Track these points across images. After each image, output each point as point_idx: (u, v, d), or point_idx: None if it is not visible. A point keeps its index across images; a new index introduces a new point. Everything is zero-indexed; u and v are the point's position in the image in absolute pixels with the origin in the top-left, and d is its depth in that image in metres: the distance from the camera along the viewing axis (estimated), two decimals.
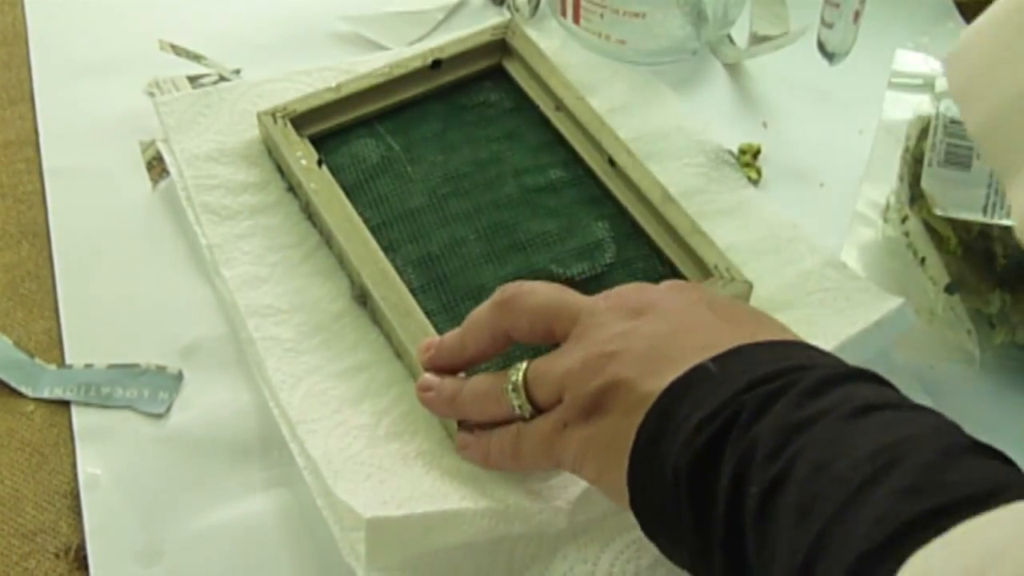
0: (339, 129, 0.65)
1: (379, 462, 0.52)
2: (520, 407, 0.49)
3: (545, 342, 0.50)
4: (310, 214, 0.62)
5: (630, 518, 0.45)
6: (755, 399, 0.41)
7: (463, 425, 0.52)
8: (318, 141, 0.64)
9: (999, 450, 0.38)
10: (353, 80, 0.66)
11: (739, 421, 0.41)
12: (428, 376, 0.53)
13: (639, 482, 0.44)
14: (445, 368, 0.53)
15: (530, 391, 0.49)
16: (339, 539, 0.49)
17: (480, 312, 0.52)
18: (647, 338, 0.46)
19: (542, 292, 0.50)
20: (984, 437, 0.56)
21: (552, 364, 0.48)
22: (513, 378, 0.49)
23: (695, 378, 0.43)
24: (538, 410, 0.49)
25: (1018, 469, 0.37)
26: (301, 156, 0.62)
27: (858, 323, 0.56)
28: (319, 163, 0.62)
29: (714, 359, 0.44)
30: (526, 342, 0.51)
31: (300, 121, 0.64)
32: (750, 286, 0.57)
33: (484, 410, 0.51)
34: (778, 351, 0.44)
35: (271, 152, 0.65)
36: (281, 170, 0.64)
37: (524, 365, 0.49)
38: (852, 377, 0.42)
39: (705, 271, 0.58)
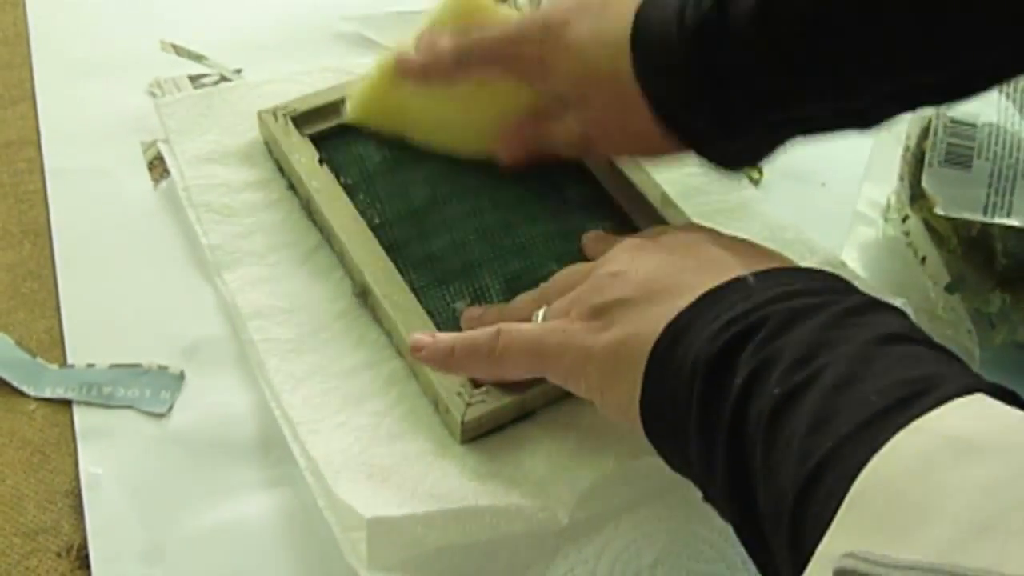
0: (340, 129, 0.65)
1: (380, 461, 0.52)
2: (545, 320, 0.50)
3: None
4: (311, 213, 0.62)
5: (631, 518, 0.45)
6: (788, 309, 0.41)
7: (419, 332, 0.53)
8: (319, 140, 0.64)
9: (1018, 395, 0.37)
10: (354, 80, 0.66)
11: (767, 326, 0.40)
12: (418, 335, 0.52)
13: (653, 382, 0.43)
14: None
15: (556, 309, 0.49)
16: (340, 539, 0.49)
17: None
18: (654, 267, 0.47)
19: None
20: None
21: (565, 303, 0.49)
22: (539, 316, 0.50)
23: (726, 288, 0.43)
24: None
25: None
26: (302, 155, 0.62)
27: None
28: (320, 162, 0.62)
29: (754, 274, 0.44)
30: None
31: (301, 120, 0.64)
32: None
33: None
34: (810, 273, 0.45)
35: (272, 151, 0.65)
36: (282, 169, 0.64)
37: (544, 310, 0.50)
38: (884, 307, 0.42)
39: None
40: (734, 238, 0.50)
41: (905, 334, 0.40)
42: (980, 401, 0.35)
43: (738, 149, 0.53)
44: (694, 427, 0.41)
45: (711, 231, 0.51)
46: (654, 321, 0.44)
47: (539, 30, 0.55)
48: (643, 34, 0.50)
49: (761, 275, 0.44)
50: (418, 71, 0.59)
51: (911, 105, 0.51)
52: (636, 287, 0.46)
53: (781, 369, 0.38)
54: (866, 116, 0.50)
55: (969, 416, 0.34)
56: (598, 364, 0.46)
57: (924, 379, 0.36)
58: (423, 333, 0.52)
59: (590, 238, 0.58)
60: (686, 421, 0.41)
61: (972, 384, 0.36)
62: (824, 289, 0.43)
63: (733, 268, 0.45)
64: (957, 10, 0.44)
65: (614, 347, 0.45)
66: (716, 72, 0.49)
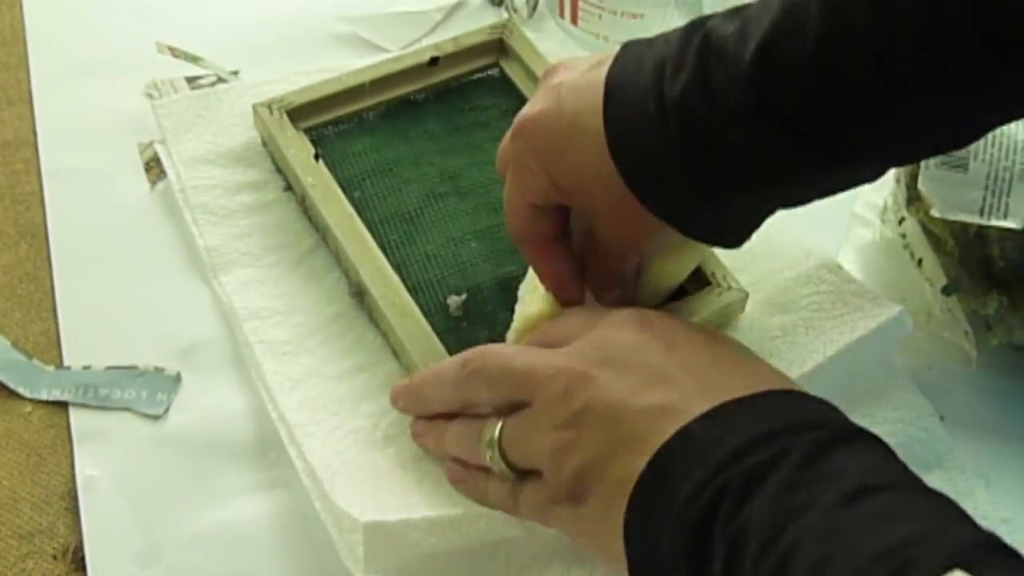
0: (336, 123, 0.65)
1: (376, 467, 0.52)
2: (500, 470, 0.48)
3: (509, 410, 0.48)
4: (307, 209, 0.62)
5: None
6: (743, 472, 0.38)
7: (453, 459, 0.51)
8: (315, 135, 0.64)
9: (1011, 547, 0.36)
10: (350, 74, 0.66)
11: (728, 498, 0.38)
12: (416, 424, 0.52)
13: (638, 565, 0.42)
14: (420, 415, 0.52)
15: (505, 455, 0.47)
16: (337, 541, 0.49)
17: (447, 373, 0.50)
18: (603, 414, 0.44)
19: (501, 358, 0.48)
20: (981, 438, 0.56)
21: (523, 435, 0.47)
22: (487, 437, 0.47)
23: (675, 446, 0.41)
24: (518, 470, 0.47)
25: None
26: (297, 150, 0.62)
27: (857, 330, 0.56)
28: (316, 157, 0.62)
29: (697, 420, 0.41)
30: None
31: (297, 114, 0.64)
32: (746, 295, 0.57)
33: (470, 457, 0.50)
34: (761, 408, 0.42)
35: (267, 146, 0.65)
36: (279, 169, 0.64)
37: (498, 425, 0.47)
38: (842, 441, 0.40)
39: (702, 279, 0.58)
40: (683, 333, 0.47)
41: (870, 484, 0.37)
42: None
43: (718, 222, 0.49)
44: None
45: (658, 331, 0.47)
46: (618, 493, 0.42)
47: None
48: (614, 105, 0.47)
49: (708, 422, 0.41)
50: None
51: (910, 162, 0.48)
52: (592, 448, 0.43)
53: (752, 554, 0.37)
54: (864, 178, 0.48)
55: None
56: (588, 541, 0.46)
57: (901, 547, 0.34)
58: (454, 464, 0.50)
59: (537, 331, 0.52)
60: None
61: (950, 550, 0.34)
62: (779, 430, 0.40)
63: (679, 408, 0.42)
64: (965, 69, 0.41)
65: (595, 528, 0.44)
66: (699, 150, 0.45)
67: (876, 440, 0.41)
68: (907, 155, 0.48)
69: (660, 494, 0.41)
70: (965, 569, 0.33)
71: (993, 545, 0.35)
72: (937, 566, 0.33)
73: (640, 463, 0.42)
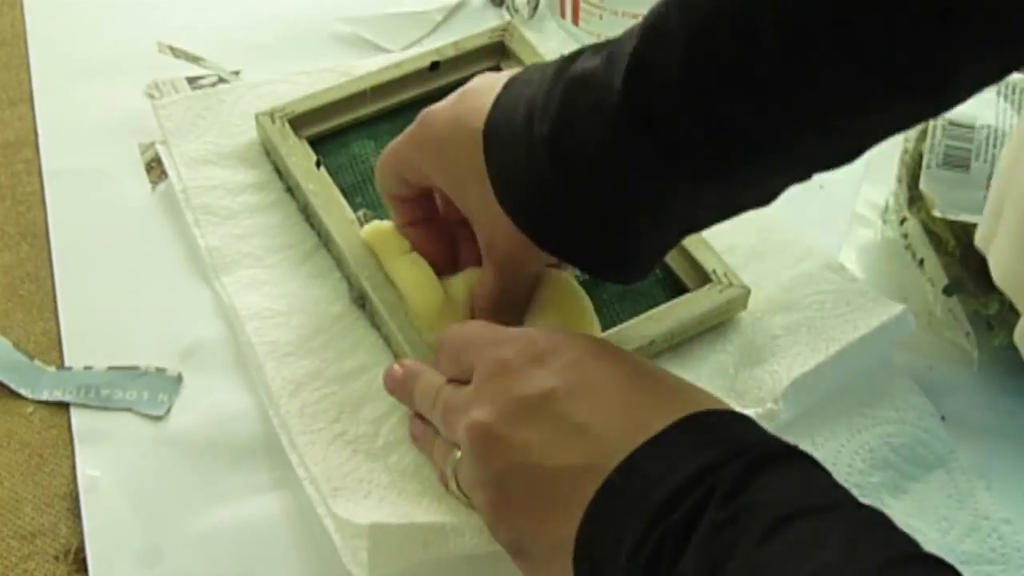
0: (338, 130, 0.65)
1: (378, 478, 0.52)
2: (460, 499, 0.48)
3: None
4: (308, 216, 0.62)
5: None
6: (675, 524, 0.38)
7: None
8: (316, 142, 0.64)
9: (933, 556, 0.36)
10: (351, 81, 0.66)
11: (665, 551, 0.38)
12: (413, 426, 0.52)
13: None
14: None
15: (461, 488, 0.47)
16: (340, 547, 0.49)
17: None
18: (521, 484, 0.43)
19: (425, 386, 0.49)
20: (982, 438, 0.56)
21: (463, 476, 0.46)
22: (449, 468, 0.47)
23: (602, 505, 0.40)
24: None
25: (955, 573, 0.35)
26: (299, 158, 0.62)
27: (858, 329, 0.56)
28: (317, 164, 0.62)
29: (618, 471, 0.40)
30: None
31: (298, 122, 0.64)
32: (748, 291, 0.57)
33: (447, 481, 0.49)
34: (677, 447, 0.40)
35: (269, 153, 0.65)
36: (280, 171, 0.64)
37: (458, 456, 0.46)
38: (763, 466, 0.39)
39: (703, 276, 0.58)
40: (588, 367, 0.45)
41: (790, 512, 0.37)
42: None
43: (610, 255, 0.49)
44: None
45: (560, 371, 0.45)
46: (559, 556, 0.41)
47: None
48: (492, 145, 0.48)
49: (627, 471, 0.40)
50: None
51: (805, 178, 0.46)
52: (522, 516, 0.43)
53: None
54: (754, 200, 0.47)
55: None
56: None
57: (819, 573, 0.34)
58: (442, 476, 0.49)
59: (443, 348, 0.51)
60: None
61: (882, 569, 0.34)
62: (697, 476, 0.38)
63: (594, 465, 0.41)
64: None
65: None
66: (571, 181, 0.46)
67: (799, 457, 0.40)
68: (786, 172, 0.46)
69: (599, 555, 0.40)
70: None
71: (915, 557, 0.36)
72: None
73: (571, 527, 0.41)
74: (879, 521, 0.37)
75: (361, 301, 0.58)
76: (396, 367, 0.52)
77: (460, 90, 0.52)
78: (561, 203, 0.47)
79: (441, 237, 0.57)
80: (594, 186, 0.46)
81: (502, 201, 0.48)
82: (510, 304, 0.53)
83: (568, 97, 0.45)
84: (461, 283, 0.56)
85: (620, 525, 0.39)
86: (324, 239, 0.61)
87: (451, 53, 0.67)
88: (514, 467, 0.43)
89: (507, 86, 0.49)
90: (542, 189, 0.47)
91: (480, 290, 0.53)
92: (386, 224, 0.58)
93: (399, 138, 0.54)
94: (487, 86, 0.50)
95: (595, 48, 0.46)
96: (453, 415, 0.46)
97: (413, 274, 0.56)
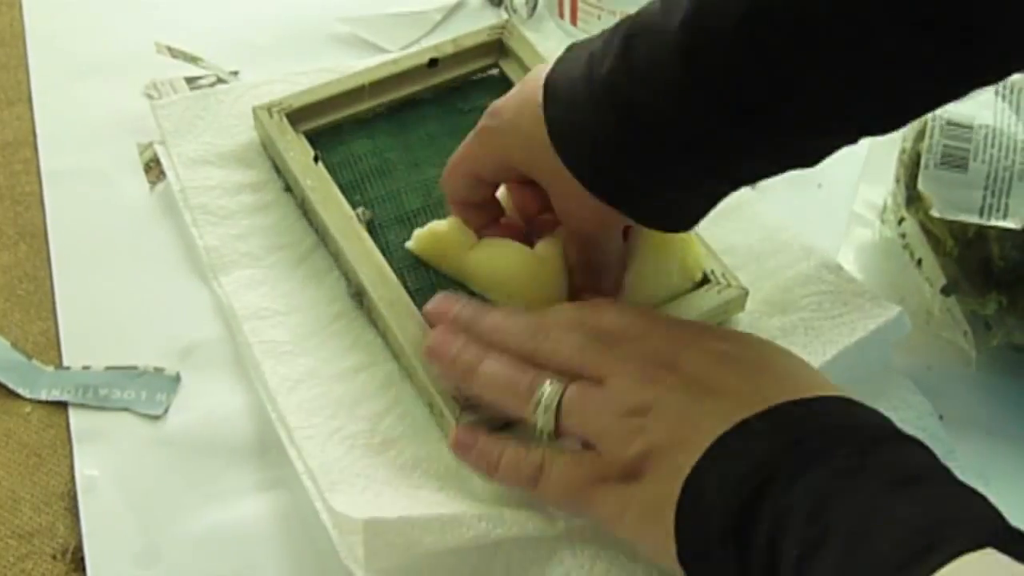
0: (335, 125, 0.65)
1: (375, 473, 0.52)
2: (545, 431, 0.48)
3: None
4: (306, 211, 0.62)
5: None
6: (797, 457, 0.41)
7: (464, 426, 0.51)
8: (314, 138, 0.64)
9: None
10: (349, 77, 0.66)
11: (780, 477, 0.40)
12: (439, 333, 0.52)
13: (686, 538, 0.43)
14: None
15: (560, 419, 0.48)
16: (337, 542, 0.49)
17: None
18: (678, 402, 0.46)
19: (585, 328, 0.50)
20: (980, 438, 0.56)
21: (591, 408, 0.47)
22: (546, 397, 0.48)
23: (736, 436, 0.43)
24: (560, 434, 0.48)
25: None
26: (297, 152, 0.62)
27: (856, 331, 0.56)
28: (315, 159, 0.62)
29: (758, 415, 0.43)
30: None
31: (296, 116, 0.64)
32: (746, 292, 0.57)
33: (501, 400, 0.50)
34: (818, 408, 0.44)
35: (266, 148, 0.65)
36: (278, 170, 0.64)
37: (560, 388, 0.48)
38: (893, 441, 0.42)
39: (702, 277, 0.58)
40: (747, 344, 0.49)
41: (913, 475, 0.40)
42: (988, 558, 0.35)
43: (666, 206, 0.50)
44: None
45: (730, 340, 0.49)
46: (676, 474, 0.44)
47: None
48: (552, 101, 0.49)
49: (766, 416, 0.43)
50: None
51: (853, 141, 0.47)
52: (660, 434, 0.45)
53: (795, 526, 0.39)
54: (806, 158, 0.48)
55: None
56: (633, 518, 0.46)
57: (934, 529, 0.36)
58: (470, 430, 0.51)
59: (594, 307, 0.53)
60: None
61: (984, 532, 0.36)
62: (830, 427, 0.42)
63: (748, 403, 0.44)
64: (893, 44, 0.41)
65: (646, 503, 0.45)
66: (631, 127, 0.47)
67: (922, 444, 0.43)
68: (837, 133, 0.46)
69: (714, 476, 0.43)
70: (998, 548, 0.35)
71: (1021, 534, 0.37)
72: (970, 542, 0.35)
73: (704, 446, 0.43)
74: (992, 504, 0.40)
75: (359, 297, 0.58)
76: None
77: (523, 79, 0.54)
78: (620, 151, 0.47)
79: (516, 235, 0.57)
80: (653, 133, 0.46)
81: (564, 158, 0.49)
82: (601, 269, 0.55)
83: (627, 44, 0.46)
84: (551, 247, 0.55)
85: (743, 454, 0.42)
86: (322, 235, 0.61)
87: (449, 50, 0.67)
88: (676, 391, 0.46)
89: (568, 48, 0.50)
90: (602, 138, 0.47)
91: (570, 262, 0.55)
92: (439, 225, 0.58)
93: (465, 142, 0.55)
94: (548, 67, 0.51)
95: (656, 1, 0.46)
96: (601, 352, 0.48)
97: (503, 251, 0.56)
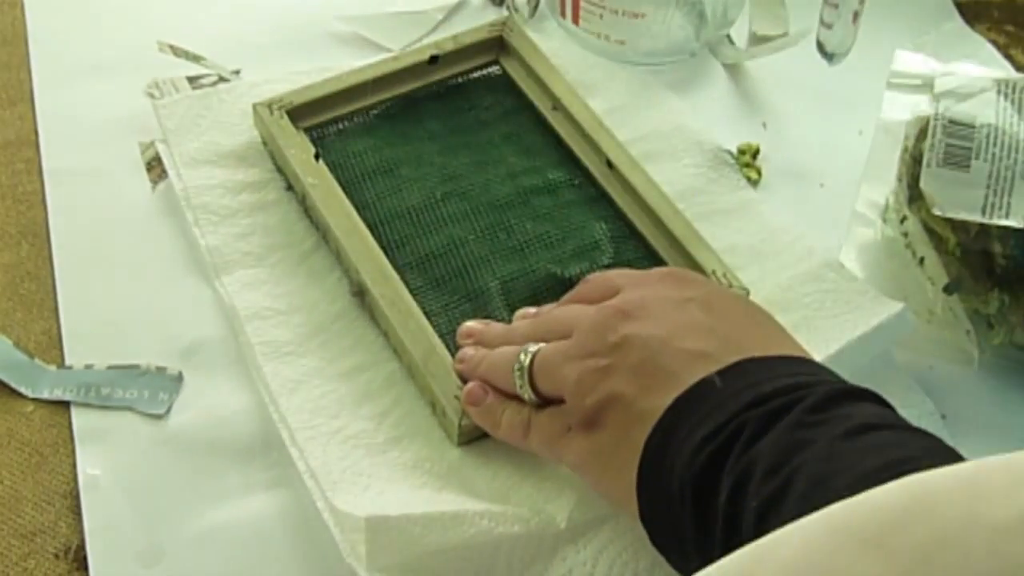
0: (336, 122, 0.65)
1: (378, 472, 0.52)
2: (524, 392, 0.50)
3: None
4: (307, 209, 0.62)
5: (628, 521, 0.45)
6: (758, 417, 0.41)
7: (477, 384, 0.52)
8: (315, 135, 0.64)
9: None
10: (350, 73, 0.66)
11: (741, 438, 0.41)
12: (476, 390, 0.52)
13: (647, 496, 0.44)
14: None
15: (534, 380, 0.50)
16: (339, 540, 0.49)
17: (515, 431, 0.51)
18: (639, 348, 0.46)
19: (551, 308, 0.52)
20: (983, 437, 0.56)
21: (554, 361, 0.49)
22: (521, 360, 0.50)
23: (699, 393, 0.44)
24: (541, 397, 0.50)
25: None
26: (298, 150, 0.62)
27: (858, 328, 0.56)
28: (316, 156, 0.62)
29: (719, 373, 0.44)
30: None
31: (297, 114, 0.64)
32: (747, 292, 0.57)
33: (500, 381, 0.51)
34: (780, 367, 0.44)
35: (267, 145, 0.65)
36: (279, 168, 0.64)
37: (534, 349, 0.50)
38: (853, 396, 0.43)
39: (703, 276, 0.58)
40: (723, 298, 0.49)
41: (872, 423, 0.40)
42: None
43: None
44: (692, 545, 0.42)
45: (698, 290, 0.49)
46: (639, 425, 0.44)
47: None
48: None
49: (728, 374, 0.44)
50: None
51: None
52: (619, 384, 0.46)
53: (756, 480, 0.39)
54: None
55: None
56: (595, 468, 0.47)
57: (893, 464, 0.37)
58: (479, 387, 0.52)
59: (587, 283, 0.54)
60: (685, 539, 0.42)
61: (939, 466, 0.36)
62: (792, 387, 0.42)
63: (713, 356, 0.45)
64: None
65: (607, 455, 0.46)
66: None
67: (880, 398, 0.44)
68: None
69: (677, 433, 0.43)
70: None
71: None
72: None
73: (667, 400, 0.44)
74: (949, 446, 0.40)
75: (360, 295, 0.58)
76: None
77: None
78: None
79: None
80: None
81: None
82: None
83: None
84: None
85: (708, 411, 0.42)
86: (323, 232, 0.61)
87: (450, 47, 0.67)
88: (636, 339, 0.46)
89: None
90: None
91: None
92: None
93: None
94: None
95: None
96: (575, 311, 0.50)
97: None
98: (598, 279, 0.53)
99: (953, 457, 0.39)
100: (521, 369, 0.50)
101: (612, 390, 0.46)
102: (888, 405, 0.44)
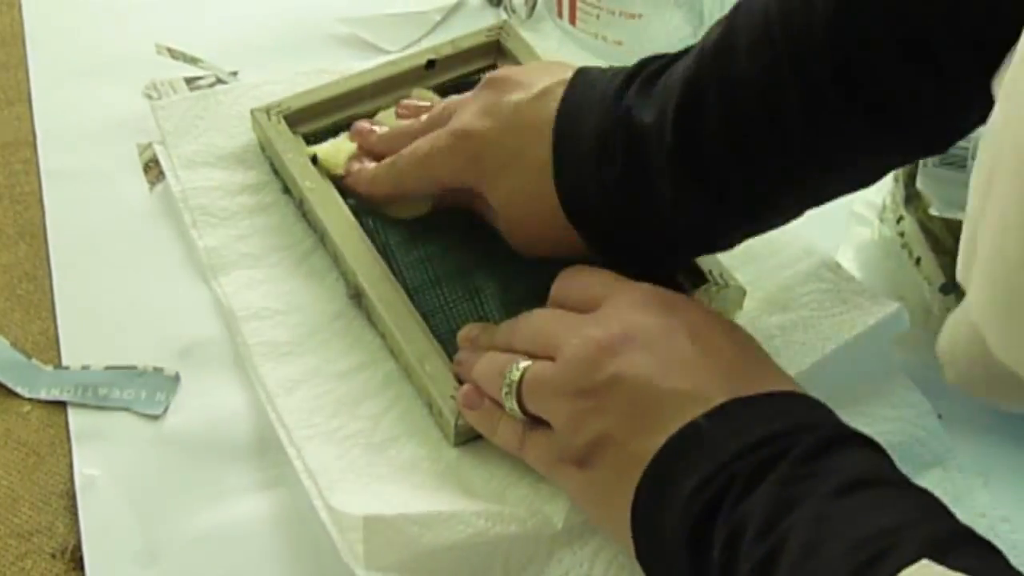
0: (333, 128, 0.65)
1: (376, 471, 0.52)
2: (513, 412, 0.50)
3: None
4: (305, 213, 0.62)
5: None
6: (748, 468, 0.41)
7: (472, 387, 0.52)
8: (312, 140, 0.64)
9: (985, 539, 0.38)
10: (347, 79, 0.66)
11: (731, 493, 0.41)
12: (471, 395, 0.52)
13: (643, 541, 0.44)
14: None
15: (522, 399, 0.49)
16: (337, 540, 0.49)
17: (510, 445, 0.52)
18: (628, 389, 0.46)
19: (532, 315, 0.52)
20: (978, 436, 0.56)
21: (543, 391, 0.48)
22: (510, 377, 0.49)
23: (687, 436, 0.43)
24: (529, 416, 0.50)
25: (1002, 559, 0.38)
26: (295, 154, 0.62)
27: (855, 327, 0.56)
28: (313, 161, 0.62)
29: (707, 416, 0.43)
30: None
31: (294, 119, 0.64)
32: (744, 292, 0.57)
33: (489, 390, 0.51)
34: (767, 408, 0.44)
35: (265, 150, 0.65)
36: (276, 169, 0.64)
37: (523, 366, 0.49)
38: (842, 443, 0.42)
39: (700, 276, 0.58)
40: (709, 325, 0.49)
41: (863, 479, 0.40)
42: (924, 570, 0.35)
43: (641, 249, 0.53)
44: None
45: (683, 316, 0.49)
46: (630, 468, 0.45)
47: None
48: (564, 175, 0.52)
49: (715, 417, 0.44)
50: (362, 194, 0.61)
51: (821, 204, 0.53)
52: (609, 423, 0.46)
53: (748, 540, 0.39)
54: (781, 220, 0.54)
55: None
56: (590, 504, 0.48)
57: (883, 536, 0.37)
58: (475, 391, 0.52)
59: (564, 284, 0.54)
60: None
61: (929, 540, 0.37)
62: (783, 431, 0.42)
63: (701, 395, 0.45)
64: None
65: (600, 493, 0.47)
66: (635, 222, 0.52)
67: (872, 442, 0.43)
68: (811, 202, 0.53)
69: (668, 482, 0.43)
70: (933, 559, 0.35)
71: (967, 536, 0.38)
72: (911, 554, 0.36)
73: (658, 442, 0.44)
74: (939, 503, 0.41)
75: (358, 298, 0.58)
76: None
77: (494, 103, 0.55)
78: (621, 219, 0.52)
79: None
80: (652, 211, 0.51)
81: (569, 213, 0.53)
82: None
83: (630, 147, 0.50)
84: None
85: (697, 460, 0.42)
86: (320, 236, 0.61)
87: (447, 51, 0.67)
88: (622, 378, 0.46)
89: (566, 97, 0.53)
90: (608, 207, 0.52)
91: None
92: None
93: (432, 147, 0.56)
94: (532, 115, 0.54)
95: (641, 94, 0.51)
96: (558, 327, 0.49)
97: None
98: (576, 284, 0.52)
99: (943, 519, 0.39)
100: (510, 387, 0.49)
101: (603, 431, 0.46)
102: (880, 449, 0.43)
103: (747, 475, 0.41)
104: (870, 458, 0.43)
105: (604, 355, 0.47)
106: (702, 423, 0.43)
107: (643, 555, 0.44)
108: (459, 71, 0.68)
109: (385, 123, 0.63)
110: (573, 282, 0.53)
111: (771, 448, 0.41)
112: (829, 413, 0.45)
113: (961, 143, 0.58)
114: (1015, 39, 0.32)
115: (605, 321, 0.48)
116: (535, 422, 0.50)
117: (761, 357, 0.49)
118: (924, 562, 0.35)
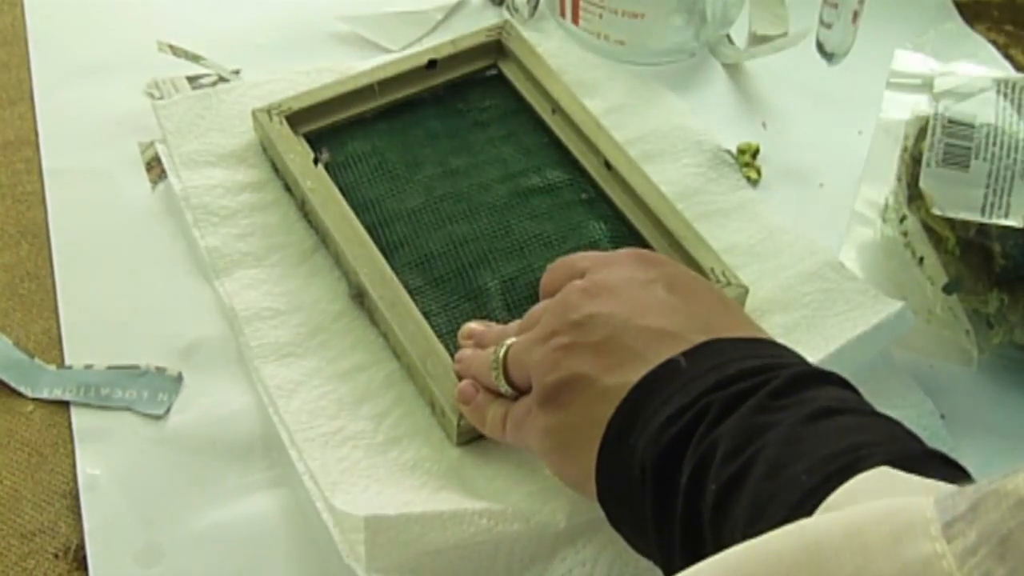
0: (335, 127, 0.65)
1: (377, 472, 0.52)
2: (501, 386, 0.50)
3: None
4: (307, 213, 0.62)
5: None
6: (722, 399, 0.41)
7: (468, 382, 0.52)
8: (314, 140, 0.64)
9: (951, 458, 0.38)
10: (348, 79, 0.66)
11: (705, 420, 0.41)
12: (468, 388, 0.52)
13: (607, 474, 0.44)
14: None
15: (508, 371, 0.50)
16: (339, 541, 0.49)
17: (497, 427, 0.51)
18: (602, 326, 0.46)
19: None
20: (982, 436, 0.56)
21: (523, 349, 0.49)
22: (497, 354, 0.50)
23: (664, 373, 0.43)
24: (516, 389, 0.50)
25: (970, 479, 0.37)
26: (297, 154, 0.62)
27: (858, 327, 0.56)
28: (315, 161, 0.62)
29: (685, 354, 0.44)
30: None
31: (296, 119, 0.64)
32: (746, 290, 0.57)
33: (483, 378, 0.52)
34: (745, 348, 0.44)
35: (267, 150, 0.65)
36: (277, 169, 0.64)
37: (509, 343, 0.50)
38: (817, 379, 0.42)
39: (701, 275, 0.58)
40: (688, 279, 0.49)
41: (835, 407, 0.40)
42: (884, 474, 0.35)
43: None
44: (652, 526, 0.42)
45: (662, 270, 0.49)
46: (602, 403, 0.44)
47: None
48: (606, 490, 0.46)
49: (694, 355, 0.44)
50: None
51: None
52: (582, 363, 0.46)
53: (717, 463, 0.39)
54: None
55: (864, 493, 0.35)
56: (553, 447, 0.47)
57: (852, 450, 0.37)
58: (470, 385, 0.52)
59: (552, 270, 0.53)
60: (643, 519, 0.42)
61: (896, 454, 0.36)
62: (757, 369, 0.42)
63: (678, 335, 0.45)
64: None
65: (566, 434, 0.46)
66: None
67: (846, 382, 0.43)
68: None
69: (641, 413, 0.43)
70: (909, 467, 0.35)
71: (936, 456, 0.38)
72: (875, 465, 0.36)
73: (632, 378, 0.44)
74: (911, 432, 0.40)
75: (360, 298, 0.58)
76: None
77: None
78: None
79: None
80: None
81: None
82: None
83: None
84: None
85: (672, 392, 0.42)
86: (322, 236, 0.61)
87: (448, 51, 0.67)
88: (598, 316, 0.46)
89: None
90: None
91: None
92: None
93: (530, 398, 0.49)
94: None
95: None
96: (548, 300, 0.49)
97: None
98: (562, 263, 0.53)
99: (913, 441, 0.39)
100: (496, 363, 0.50)
101: (574, 369, 0.46)
102: (853, 389, 0.43)
103: (720, 405, 0.41)
104: (843, 392, 0.43)
105: (580, 298, 0.47)
106: (680, 360, 0.43)
107: (605, 492, 0.44)
108: (460, 70, 0.68)
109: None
110: (558, 268, 0.53)
111: (748, 382, 0.41)
112: (803, 359, 0.45)
113: (963, 143, 0.58)
114: None
115: (587, 276, 0.49)
116: (519, 398, 0.50)
117: (739, 312, 0.49)
118: (883, 468, 0.35)
